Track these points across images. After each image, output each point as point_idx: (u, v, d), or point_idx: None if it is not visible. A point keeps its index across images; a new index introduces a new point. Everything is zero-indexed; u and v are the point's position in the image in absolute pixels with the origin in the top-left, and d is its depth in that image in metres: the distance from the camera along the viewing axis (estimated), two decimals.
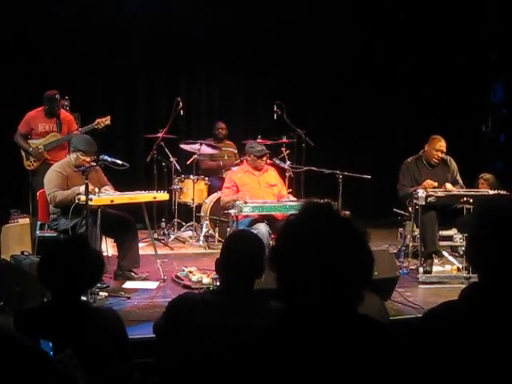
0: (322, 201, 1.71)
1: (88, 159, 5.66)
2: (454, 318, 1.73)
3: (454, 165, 6.65)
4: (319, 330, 1.56)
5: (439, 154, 6.50)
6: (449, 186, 6.30)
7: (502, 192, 6.02)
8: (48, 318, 2.54)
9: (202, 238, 7.58)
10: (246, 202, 5.85)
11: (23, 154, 6.98)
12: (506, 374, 1.64)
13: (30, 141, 6.94)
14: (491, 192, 6.13)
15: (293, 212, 5.46)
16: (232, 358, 2.02)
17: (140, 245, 6.21)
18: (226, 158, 8.35)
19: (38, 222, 5.98)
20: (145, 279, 5.77)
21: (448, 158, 6.64)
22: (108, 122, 6.99)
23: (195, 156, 7.96)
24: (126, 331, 2.76)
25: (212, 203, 7.61)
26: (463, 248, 6.35)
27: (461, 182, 6.59)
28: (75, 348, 2.04)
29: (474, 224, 1.82)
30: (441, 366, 1.69)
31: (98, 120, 6.97)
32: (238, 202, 5.83)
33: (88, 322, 2.56)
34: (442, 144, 6.49)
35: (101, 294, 5.09)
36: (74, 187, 5.54)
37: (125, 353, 2.65)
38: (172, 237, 7.80)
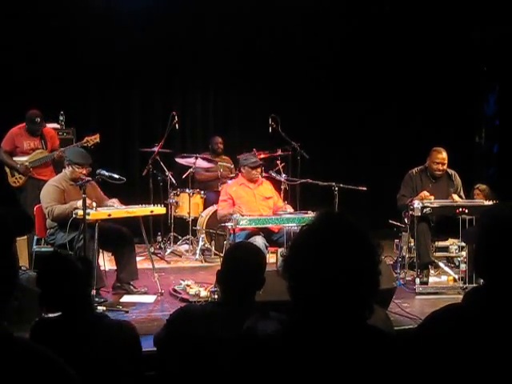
0: (336, 211, 1.72)
1: (84, 171, 5.67)
2: (457, 321, 1.75)
3: (458, 180, 6.58)
4: (330, 340, 1.56)
5: (440, 167, 6.41)
6: (456, 197, 6.28)
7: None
8: (64, 329, 2.54)
9: (198, 252, 7.56)
10: (242, 215, 5.87)
11: (7, 170, 6.89)
12: (509, 377, 1.66)
13: (14, 158, 6.90)
14: (486, 202, 6.14)
15: (295, 224, 5.38)
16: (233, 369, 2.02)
17: (137, 259, 6.20)
18: (221, 171, 8.31)
19: (35, 237, 5.96)
20: (145, 293, 5.76)
21: (453, 172, 6.57)
22: (97, 140, 6.95)
23: (191, 170, 7.98)
24: (141, 346, 2.76)
25: (208, 217, 7.58)
26: (459, 259, 6.38)
27: (464, 198, 6.49)
28: (89, 360, 2.04)
29: (479, 232, 1.85)
30: (444, 369, 1.70)
31: (86, 138, 6.94)
32: (234, 216, 5.85)
33: (103, 334, 2.55)
34: (440, 156, 6.41)
35: (99, 308, 5.07)
36: (72, 201, 5.54)
37: (138, 367, 2.65)
38: (168, 250, 7.78)
